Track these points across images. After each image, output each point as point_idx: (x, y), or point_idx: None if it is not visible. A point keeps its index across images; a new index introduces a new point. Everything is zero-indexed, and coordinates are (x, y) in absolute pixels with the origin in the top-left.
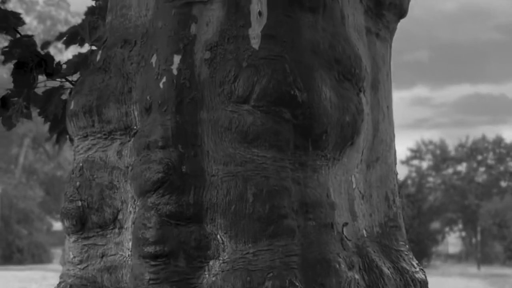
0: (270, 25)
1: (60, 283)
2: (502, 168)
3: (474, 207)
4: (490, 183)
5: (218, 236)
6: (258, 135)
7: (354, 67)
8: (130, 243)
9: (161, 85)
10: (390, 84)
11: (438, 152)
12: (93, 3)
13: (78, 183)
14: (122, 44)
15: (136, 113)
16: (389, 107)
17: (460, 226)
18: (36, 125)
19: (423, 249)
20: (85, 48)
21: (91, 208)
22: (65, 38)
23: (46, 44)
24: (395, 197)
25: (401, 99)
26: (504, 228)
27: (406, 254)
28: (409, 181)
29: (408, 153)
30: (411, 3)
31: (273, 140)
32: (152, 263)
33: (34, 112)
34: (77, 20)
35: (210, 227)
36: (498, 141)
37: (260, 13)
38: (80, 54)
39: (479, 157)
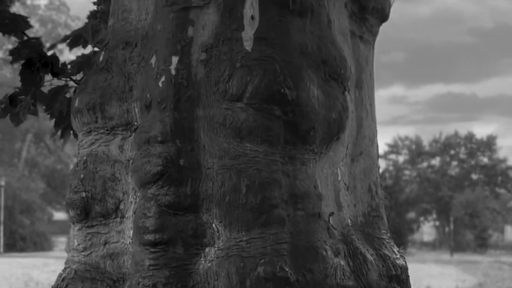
0: (261, 29)
1: (65, 268)
2: (473, 162)
3: (447, 199)
4: (462, 176)
5: (214, 225)
6: (251, 131)
7: (339, 67)
8: (131, 231)
9: (160, 84)
10: (372, 83)
11: (413, 147)
12: (95, 8)
13: (82, 176)
14: (124, 46)
15: (136, 110)
16: (372, 105)
17: (434, 216)
18: (38, 121)
19: (400, 237)
20: (88, 49)
21: (95, 198)
22: (69, 40)
23: (52, 46)
24: (377, 188)
25: (378, 98)
26: (475, 218)
27: (387, 242)
28: (387, 174)
29: (386, 148)
30: None
31: (264, 136)
32: (152, 250)
33: (40, 109)
34: (76, 23)
35: (206, 217)
36: (470, 137)
37: (252, 17)
38: (83, 55)
39: (452, 152)
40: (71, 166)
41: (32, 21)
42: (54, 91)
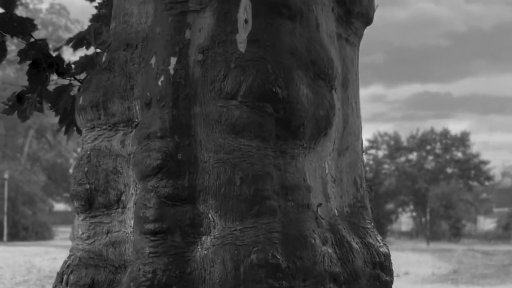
0: (254, 31)
1: (70, 256)
2: (448, 156)
3: (423, 191)
4: (438, 169)
5: (210, 215)
6: (244, 127)
7: (327, 67)
8: (132, 221)
9: (159, 83)
10: (358, 83)
11: (392, 142)
12: (96, 12)
13: (86, 169)
14: (125, 47)
15: (137, 107)
16: (357, 103)
17: (411, 207)
18: (39, 118)
19: (379, 227)
20: (91, 50)
21: (98, 190)
22: (73, 42)
23: (58, 48)
24: (362, 181)
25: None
26: (450, 209)
27: (372, 231)
28: (367, 168)
29: (366, 144)
30: None
31: (257, 131)
32: (152, 238)
33: (45, 106)
34: (76, 26)
35: (202, 207)
36: (445, 133)
37: (246, 21)
38: (86, 56)
39: (428, 147)
40: (71, 160)
41: None
42: (59, 90)
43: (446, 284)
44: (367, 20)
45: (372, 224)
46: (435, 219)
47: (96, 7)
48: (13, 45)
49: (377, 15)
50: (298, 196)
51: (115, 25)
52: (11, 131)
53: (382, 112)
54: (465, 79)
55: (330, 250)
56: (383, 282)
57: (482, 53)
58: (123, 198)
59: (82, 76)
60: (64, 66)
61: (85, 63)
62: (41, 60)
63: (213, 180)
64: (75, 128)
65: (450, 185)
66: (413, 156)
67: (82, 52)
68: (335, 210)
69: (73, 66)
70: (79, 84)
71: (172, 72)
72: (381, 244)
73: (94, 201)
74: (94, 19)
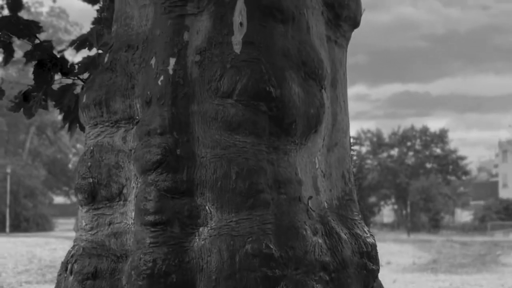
0: (249, 34)
1: (74, 246)
2: (427, 152)
3: (404, 185)
4: (418, 165)
5: (207, 207)
6: (240, 124)
7: (317, 68)
8: (133, 213)
9: (159, 82)
10: (346, 82)
11: (374, 139)
12: (96, 15)
13: (89, 163)
14: (126, 49)
15: (138, 105)
16: (345, 101)
17: (393, 200)
18: (40, 115)
19: (363, 219)
20: (93, 51)
21: (100, 184)
22: (76, 43)
23: (62, 49)
24: (350, 175)
25: None
26: (429, 202)
27: (359, 223)
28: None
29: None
30: None
31: (252, 128)
32: (152, 229)
33: (49, 104)
34: (75, 28)
35: (200, 200)
36: (424, 130)
37: (241, 24)
38: (89, 56)
39: (409, 143)
40: (70, 156)
41: None
42: (63, 89)
43: (426, 273)
44: (355, 23)
45: (360, 216)
46: (415, 212)
47: (97, 10)
48: (16, 46)
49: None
50: (290, 190)
51: (116, 28)
52: (13, 128)
53: (365, 110)
54: (443, 79)
55: (320, 241)
56: (370, 270)
57: (459, 55)
58: (124, 191)
59: (85, 75)
60: (68, 66)
61: (87, 64)
62: (46, 61)
63: (210, 174)
64: (77, 125)
65: (429, 179)
66: (394, 152)
67: (84, 53)
68: (325, 203)
69: (76, 66)
70: (82, 83)
71: (171, 72)
72: (368, 234)
73: (97, 194)
74: (96, 22)
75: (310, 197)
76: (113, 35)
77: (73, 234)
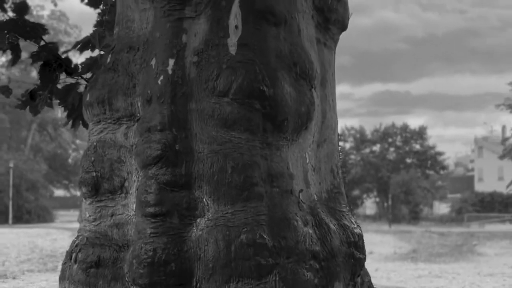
0: (243, 36)
1: (78, 236)
2: (407, 148)
3: (386, 179)
4: (398, 160)
5: (204, 200)
6: (235, 121)
7: (308, 69)
8: (134, 205)
9: (159, 82)
10: (334, 82)
11: (358, 135)
12: (97, 18)
13: (93, 158)
14: (128, 50)
15: (139, 103)
16: (333, 100)
17: (375, 193)
18: (41, 113)
19: (350, 211)
20: (95, 53)
21: (103, 177)
22: (79, 45)
23: (66, 50)
24: (338, 170)
25: None
26: (409, 195)
27: (347, 214)
28: None
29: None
30: None
31: (246, 125)
32: (152, 220)
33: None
34: (74, 31)
35: (197, 193)
36: (404, 127)
37: (236, 27)
38: (91, 57)
39: (390, 140)
40: (69, 151)
41: None
42: (67, 88)
43: (406, 262)
44: (343, 26)
45: (347, 207)
46: (396, 204)
47: (99, 14)
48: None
49: None
50: (282, 183)
51: (118, 30)
52: (15, 125)
53: (349, 108)
54: (423, 79)
55: (310, 231)
56: (357, 259)
57: (437, 56)
58: (126, 184)
59: (88, 75)
60: (72, 67)
61: (90, 64)
62: (51, 61)
63: (207, 169)
64: (80, 121)
65: (409, 173)
66: (376, 148)
67: (87, 54)
68: (315, 195)
69: (80, 66)
70: (86, 82)
71: (170, 72)
72: (355, 225)
73: (100, 187)
74: (98, 24)
75: (301, 190)
76: (115, 37)
77: (72, 225)
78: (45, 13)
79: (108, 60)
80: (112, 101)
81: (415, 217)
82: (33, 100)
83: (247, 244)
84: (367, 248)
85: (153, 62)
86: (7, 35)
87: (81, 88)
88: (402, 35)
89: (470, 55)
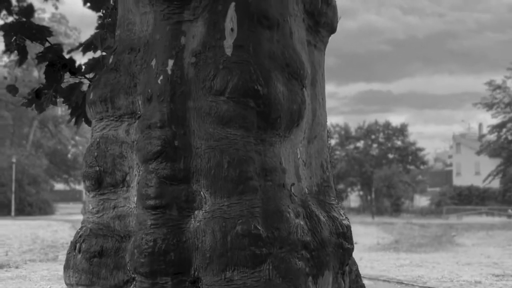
0: (239, 38)
1: (82, 227)
2: (389, 144)
3: (369, 173)
4: (381, 155)
5: (202, 193)
6: (231, 119)
7: (299, 69)
8: (135, 198)
9: (159, 81)
10: (324, 82)
11: (342, 132)
12: (97, 20)
13: (96, 154)
14: (129, 51)
15: (140, 102)
16: (323, 99)
17: (359, 187)
18: None
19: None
20: (97, 54)
21: (106, 172)
22: (82, 47)
23: (70, 51)
24: (328, 164)
25: None
26: (391, 188)
27: (336, 207)
28: None
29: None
30: None
31: (241, 122)
32: (153, 212)
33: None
34: (74, 33)
35: (195, 186)
36: (387, 125)
37: (232, 29)
38: (94, 58)
39: (373, 136)
40: (69, 147)
41: None
42: (71, 87)
43: (388, 252)
44: (332, 29)
45: (336, 200)
46: (379, 197)
47: (100, 17)
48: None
49: None
50: (275, 177)
51: (120, 32)
52: (18, 122)
53: (334, 106)
54: (404, 79)
55: (302, 223)
56: (345, 249)
57: (418, 57)
58: (127, 178)
59: (91, 75)
60: (76, 67)
61: (93, 64)
62: (56, 62)
63: (205, 163)
64: (83, 119)
65: (391, 168)
66: (360, 144)
67: (90, 55)
68: (306, 189)
69: (83, 67)
70: (89, 82)
71: (169, 72)
72: (344, 217)
73: (103, 181)
74: (100, 27)
75: (293, 184)
76: (117, 39)
77: (71, 217)
78: (46, 15)
79: (110, 60)
80: (114, 99)
81: (396, 210)
82: (38, 98)
83: (242, 234)
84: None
85: (153, 62)
86: (14, 37)
87: (84, 87)
88: (385, 37)
89: (448, 56)
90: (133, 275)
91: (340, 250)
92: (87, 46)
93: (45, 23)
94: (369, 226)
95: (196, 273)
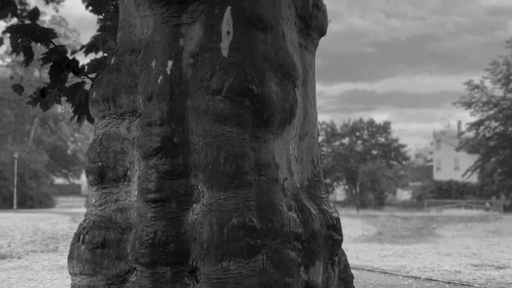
0: (234, 40)
1: (85, 219)
2: (373, 141)
3: (354, 168)
4: (365, 151)
5: (199, 187)
6: (227, 117)
7: (291, 70)
8: (136, 192)
9: (158, 81)
10: (314, 82)
11: (329, 129)
12: (97, 23)
13: (98, 150)
14: (130, 52)
15: (140, 101)
16: (314, 98)
17: (344, 181)
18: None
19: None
20: (99, 55)
21: (108, 167)
22: (85, 48)
23: (73, 52)
24: (318, 160)
25: None
26: (375, 183)
27: (326, 200)
28: None
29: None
30: None
31: (237, 120)
32: (153, 205)
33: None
34: (73, 35)
35: (193, 181)
36: (371, 122)
37: (228, 32)
38: (96, 59)
39: (358, 134)
40: (69, 143)
41: None
42: (75, 86)
43: (373, 243)
44: (322, 32)
45: (326, 194)
46: (363, 191)
47: (101, 19)
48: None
49: None
50: (269, 172)
51: (121, 35)
52: (19, 119)
53: (321, 105)
54: (387, 79)
55: (294, 215)
56: (335, 240)
57: (400, 59)
58: (129, 173)
59: (93, 75)
60: (79, 67)
61: (95, 65)
62: (60, 62)
63: (202, 159)
64: (85, 116)
65: (375, 164)
66: (345, 140)
67: (92, 56)
68: (297, 183)
69: (86, 67)
70: (91, 81)
71: (169, 72)
72: (333, 210)
73: (105, 176)
74: (101, 29)
75: (285, 179)
76: (118, 41)
77: (71, 210)
78: (47, 18)
79: (112, 61)
80: (116, 98)
81: (380, 203)
82: (43, 97)
83: (238, 226)
84: None
85: (153, 63)
86: (20, 39)
87: (87, 87)
88: (369, 39)
89: (429, 57)
90: (134, 265)
91: (330, 241)
92: (89, 48)
93: (45, 25)
94: (354, 219)
95: (194, 263)
